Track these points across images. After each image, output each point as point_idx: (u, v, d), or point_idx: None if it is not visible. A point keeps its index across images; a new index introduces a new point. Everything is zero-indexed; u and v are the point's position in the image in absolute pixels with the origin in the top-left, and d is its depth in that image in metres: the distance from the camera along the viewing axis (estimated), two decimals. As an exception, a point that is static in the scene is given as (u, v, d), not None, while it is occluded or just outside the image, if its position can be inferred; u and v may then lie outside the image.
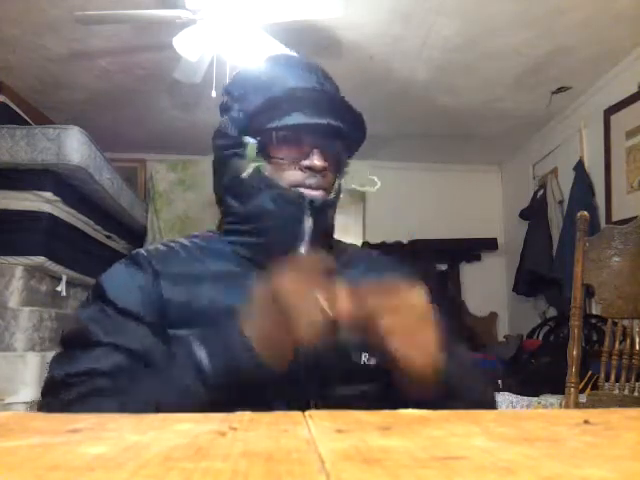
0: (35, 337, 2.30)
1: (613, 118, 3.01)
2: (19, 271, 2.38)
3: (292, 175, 0.81)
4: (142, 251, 0.84)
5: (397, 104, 3.48)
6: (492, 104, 3.44)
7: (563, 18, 2.52)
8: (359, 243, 4.28)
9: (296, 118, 0.80)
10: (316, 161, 0.80)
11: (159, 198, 4.16)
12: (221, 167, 0.87)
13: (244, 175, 0.81)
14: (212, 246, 0.85)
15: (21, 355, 2.19)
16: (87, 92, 3.32)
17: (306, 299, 0.63)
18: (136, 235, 3.85)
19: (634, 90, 2.82)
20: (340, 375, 0.79)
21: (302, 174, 0.81)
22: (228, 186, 0.85)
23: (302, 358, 0.71)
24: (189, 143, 4.03)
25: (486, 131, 3.89)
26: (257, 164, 0.81)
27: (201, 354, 0.67)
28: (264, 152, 0.82)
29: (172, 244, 0.86)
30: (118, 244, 3.45)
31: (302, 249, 0.80)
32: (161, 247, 0.85)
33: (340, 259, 0.87)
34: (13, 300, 2.33)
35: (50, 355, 2.54)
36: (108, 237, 3.23)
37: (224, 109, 0.88)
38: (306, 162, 0.81)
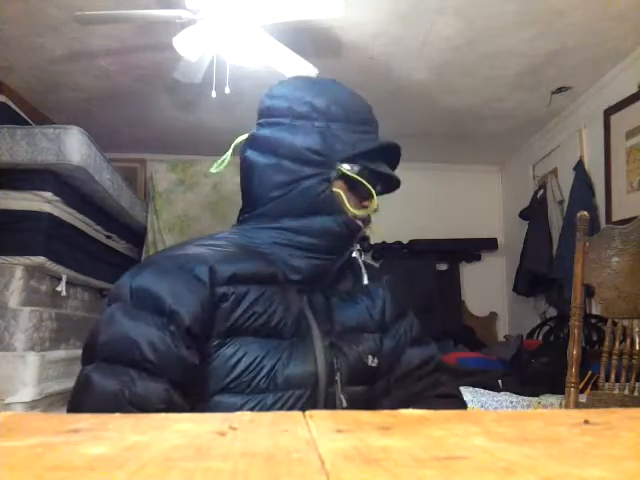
0: (35, 337, 2.30)
1: (613, 118, 3.01)
2: (19, 271, 2.38)
3: (353, 207, 0.87)
4: (196, 254, 0.80)
5: (397, 104, 3.48)
6: (492, 104, 3.43)
7: (563, 18, 2.51)
8: (359, 243, 4.27)
9: (384, 167, 0.89)
10: (373, 205, 0.88)
11: (159, 198, 4.16)
12: (283, 176, 0.84)
13: (324, 194, 0.84)
14: (254, 249, 0.85)
15: (21, 355, 2.19)
16: (87, 92, 3.31)
17: None
18: (136, 235, 3.85)
19: (634, 90, 2.82)
20: (355, 376, 0.87)
21: (360, 211, 0.87)
22: (287, 198, 0.84)
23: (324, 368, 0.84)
24: (189, 143, 4.03)
25: (486, 131, 3.88)
26: (337, 190, 0.85)
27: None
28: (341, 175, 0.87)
29: (219, 245, 0.84)
30: (118, 244, 3.45)
31: (340, 271, 0.89)
32: (208, 251, 0.81)
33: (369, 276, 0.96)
34: (13, 300, 2.33)
35: (50, 355, 2.52)
36: (108, 237, 3.23)
37: (302, 116, 0.85)
38: (370, 206, 0.88)
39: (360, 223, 0.88)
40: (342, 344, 0.87)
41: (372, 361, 0.90)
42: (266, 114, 0.89)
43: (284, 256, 0.84)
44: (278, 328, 0.81)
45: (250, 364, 0.77)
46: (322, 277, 0.88)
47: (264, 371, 0.78)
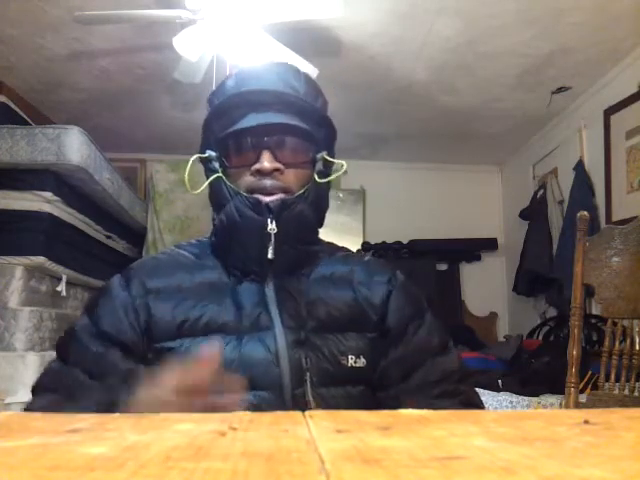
0: (35, 337, 2.30)
1: (613, 118, 3.01)
2: (19, 271, 2.38)
3: (246, 181, 0.82)
4: (134, 266, 0.87)
5: (397, 104, 3.48)
6: (492, 104, 3.43)
7: (563, 18, 2.52)
8: (359, 243, 4.28)
9: (242, 123, 0.81)
10: (265, 163, 0.80)
11: (159, 198, 4.16)
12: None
13: (201, 188, 0.85)
14: (203, 257, 0.88)
15: (21, 355, 2.19)
16: (87, 92, 3.31)
17: None
18: (136, 235, 3.85)
19: (634, 90, 2.82)
20: (329, 377, 0.80)
21: (254, 178, 0.81)
22: (210, 199, 0.88)
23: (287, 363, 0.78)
24: (189, 143, 4.01)
25: (486, 131, 3.88)
26: (216, 175, 0.84)
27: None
28: (224, 161, 0.84)
29: (164, 255, 0.90)
30: (118, 244, 3.45)
31: (270, 253, 0.81)
32: (151, 260, 0.89)
33: (320, 261, 0.89)
34: (13, 300, 2.33)
35: (50, 355, 2.53)
36: (108, 237, 3.24)
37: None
38: (255, 166, 0.81)
39: (260, 197, 0.80)
40: (315, 340, 0.81)
41: (354, 362, 0.81)
42: None
43: (223, 256, 0.87)
44: (230, 325, 0.79)
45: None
46: (260, 264, 0.82)
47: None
